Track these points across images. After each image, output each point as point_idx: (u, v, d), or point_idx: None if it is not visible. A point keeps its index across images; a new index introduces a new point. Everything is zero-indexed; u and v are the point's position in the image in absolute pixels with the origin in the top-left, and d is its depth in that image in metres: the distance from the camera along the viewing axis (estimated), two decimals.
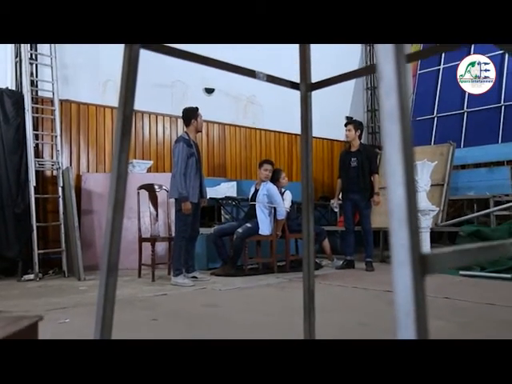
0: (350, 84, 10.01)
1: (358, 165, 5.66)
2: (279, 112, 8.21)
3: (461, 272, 5.02)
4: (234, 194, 6.95)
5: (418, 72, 8.78)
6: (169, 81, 7.12)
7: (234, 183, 7.00)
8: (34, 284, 4.93)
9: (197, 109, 5.06)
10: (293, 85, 1.69)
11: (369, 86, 10.15)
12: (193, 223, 4.88)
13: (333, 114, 9.21)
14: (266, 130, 8.34)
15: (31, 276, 5.18)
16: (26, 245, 5.32)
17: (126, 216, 6.03)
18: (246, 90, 8.03)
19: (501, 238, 5.53)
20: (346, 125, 5.84)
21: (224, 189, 6.90)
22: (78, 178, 6.16)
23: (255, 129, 8.21)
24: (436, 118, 8.21)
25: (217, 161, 7.63)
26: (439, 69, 8.43)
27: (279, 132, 8.50)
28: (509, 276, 4.66)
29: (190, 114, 4.91)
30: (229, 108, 7.86)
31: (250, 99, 8.14)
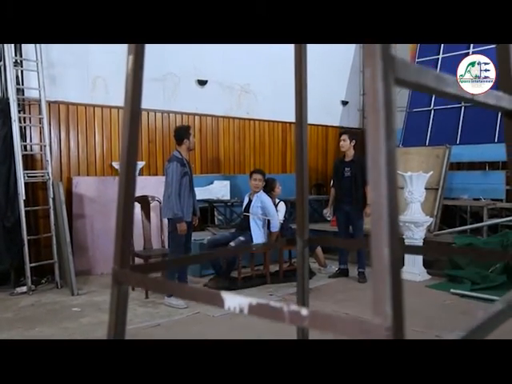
0: (346, 66, 9.77)
1: (351, 175, 5.60)
2: (273, 99, 8.05)
3: (452, 290, 5.07)
4: (228, 193, 6.91)
5: (417, 60, 8.56)
6: (160, 74, 6.89)
7: (227, 182, 6.93)
8: (26, 301, 4.92)
9: (189, 127, 4.93)
10: (289, 241, 1.63)
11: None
12: (185, 242, 4.86)
13: (328, 98, 9.04)
14: (260, 120, 8.18)
15: (24, 289, 5.17)
16: (17, 256, 5.27)
17: None
18: (239, 78, 7.82)
19: (493, 250, 5.56)
20: (340, 135, 5.75)
21: (217, 188, 6.84)
22: (69, 181, 6.06)
23: (249, 119, 8.05)
24: (433, 111, 8.07)
25: (210, 155, 7.51)
26: (438, 58, 8.22)
27: (273, 121, 8.34)
28: (499, 299, 4.70)
29: (183, 134, 4.78)
30: (222, 99, 7.67)
31: (244, 88, 7.94)
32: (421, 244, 5.69)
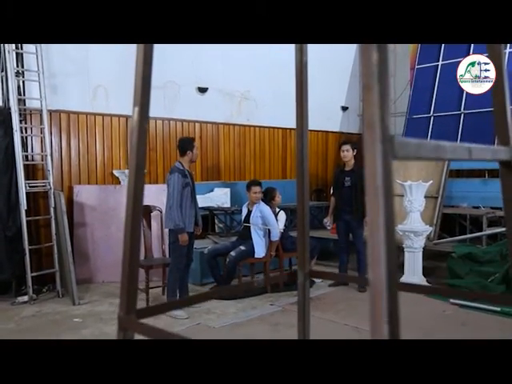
0: (346, 72, 9.79)
1: (351, 185, 5.62)
2: (273, 106, 8.07)
3: (451, 300, 5.09)
4: (228, 201, 6.93)
5: (417, 66, 8.58)
6: (161, 82, 6.90)
7: (228, 190, 6.95)
8: (28, 311, 4.94)
9: (193, 140, 4.98)
10: (289, 276, 1.66)
11: None
12: (187, 253, 4.89)
13: (328, 103, 9.05)
14: (260, 127, 8.21)
15: (25, 298, 5.19)
16: (18, 265, 5.29)
17: (120, 229, 6.01)
18: (240, 85, 7.85)
19: (492, 259, 5.60)
20: (341, 145, 5.76)
21: (217, 195, 6.86)
22: (70, 190, 6.08)
23: (249, 126, 8.07)
24: (432, 118, 8.10)
25: (210, 163, 7.53)
26: (438, 65, 8.24)
27: (273, 128, 8.36)
28: (498, 309, 4.73)
29: (187, 146, 4.82)
30: (223, 106, 7.70)
31: (244, 95, 7.96)
32: (420, 253, 5.71)
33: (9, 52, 5.12)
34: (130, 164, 1.06)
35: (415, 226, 5.65)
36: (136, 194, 1.04)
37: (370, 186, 0.69)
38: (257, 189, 5.55)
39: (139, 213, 1.06)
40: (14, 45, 5.29)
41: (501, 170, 1.13)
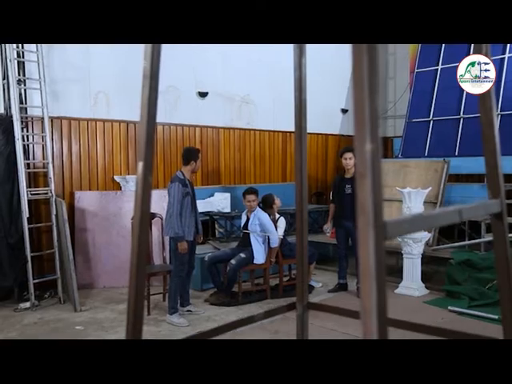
0: (346, 74, 9.77)
1: (352, 192, 5.64)
2: (273, 110, 8.11)
3: (449, 307, 5.14)
4: (228, 206, 6.97)
5: (416, 70, 8.61)
6: (161, 87, 6.88)
7: (228, 195, 6.99)
8: (30, 318, 4.99)
9: (199, 151, 5.01)
10: (289, 307, 1.71)
11: None
12: (189, 260, 4.93)
13: (328, 106, 9.09)
14: (260, 131, 8.24)
15: (27, 304, 5.24)
16: (20, 272, 5.34)
17: (121, 235, 6.07)
18: (240, 89, 7.88)
19: (491, 266, 5.63)
20: (343, 153, 5.76)
21: (218, 200, 6.90)
22: (72, 195, 6.12)
23: (249, 130, 8.11)
24: (432, 122, 8.13)
25: (210, 167, 7.57)
26: (437, 69, 8.27)
27: (273, 131, 8.40)
28: (496, 317, 4.77)
29: (192, 156, 4.86)
30: (223, 110, 7.73)
31: (244, 99, 8.00)
32: (419, 259, 5.75)
33: (10, 61, 5.15)
34: (135, 214, 1.10)
35: (414, 234, 5.68)
36: (140, 248, 1.07)
37: (364, 268, 0.73)
38: (251, 197, 5.56)
39: (143, 267, 1.10)
40: (15, 53, 5.33)
41: (492, 221, 1.17)
